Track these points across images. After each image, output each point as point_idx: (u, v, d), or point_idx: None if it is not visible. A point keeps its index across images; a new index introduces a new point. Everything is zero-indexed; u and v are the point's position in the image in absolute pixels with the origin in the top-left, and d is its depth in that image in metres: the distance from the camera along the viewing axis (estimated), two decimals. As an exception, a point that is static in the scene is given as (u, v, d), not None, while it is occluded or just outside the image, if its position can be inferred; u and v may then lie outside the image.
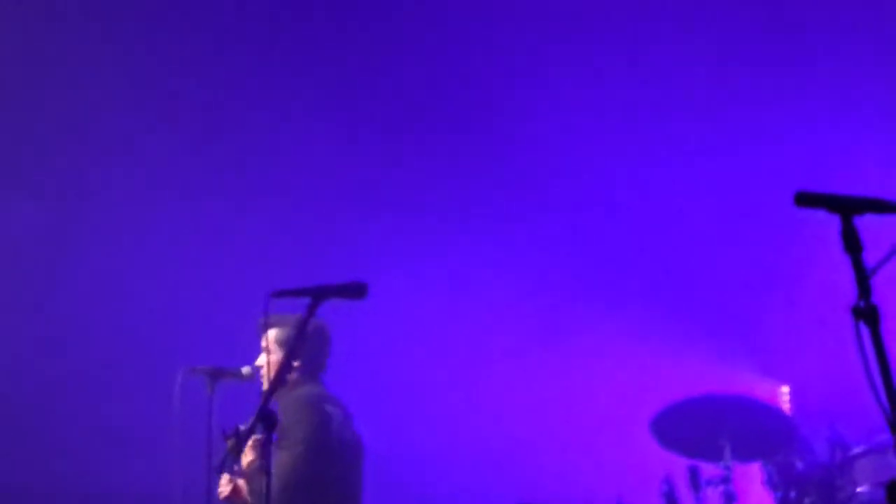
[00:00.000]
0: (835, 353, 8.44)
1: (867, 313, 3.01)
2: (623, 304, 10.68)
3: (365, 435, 6.83)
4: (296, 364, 6.61)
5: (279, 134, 10.73)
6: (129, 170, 10.43)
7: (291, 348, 6.05)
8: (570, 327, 10.78)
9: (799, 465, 7.78)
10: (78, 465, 10.02)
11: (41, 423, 10.04)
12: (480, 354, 10.90)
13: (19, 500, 9.76)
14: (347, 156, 10.71)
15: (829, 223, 3.23)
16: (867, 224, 3.14)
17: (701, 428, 7.96)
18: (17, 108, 10.17)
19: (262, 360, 6.59)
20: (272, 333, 6.63)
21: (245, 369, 6.56)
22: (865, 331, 3.03)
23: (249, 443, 6.28)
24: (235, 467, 6.48)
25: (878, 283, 3.10)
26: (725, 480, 7.81)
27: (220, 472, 5.64)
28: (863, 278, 3.03)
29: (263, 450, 5.27)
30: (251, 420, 5.18)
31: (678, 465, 8.03)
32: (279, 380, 5.90)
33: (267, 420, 4.90)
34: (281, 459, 6.42)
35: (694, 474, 7.81)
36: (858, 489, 7.49)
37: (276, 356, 6.49)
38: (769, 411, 8.43)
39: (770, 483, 7.82)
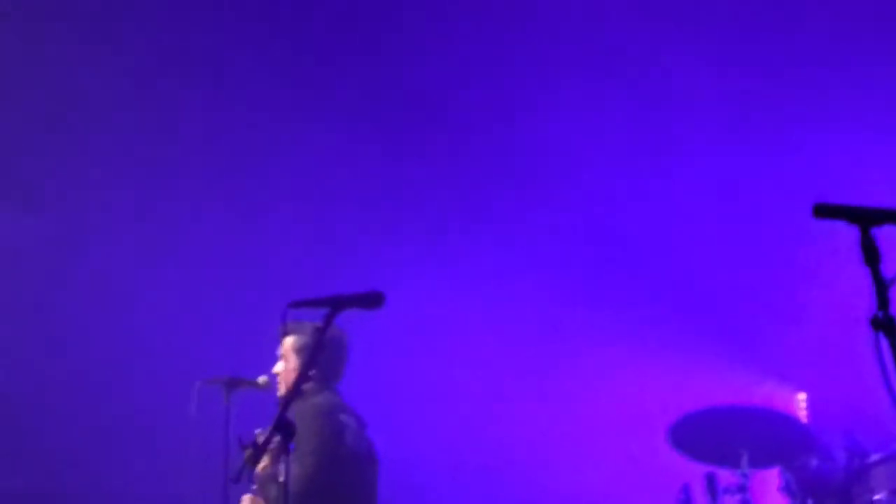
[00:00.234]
0: (852, 361, 8.41)
1: (885, 324, 3.01)
2: (639, 311, 10.66)
3: (378, 442, 6.82)
4: (311, 372, 6.61)
5: (293, 142, 10.72)
6: (136, 179, 10.42)
7: (309, 357, 6.05)
8: (586, 335, 10.76)
9: (816, 472, 7.77)
10: (94, 475, 10.02)
11: (56, 433, 10.05)
12: (494, 362, 10.89)
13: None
14: (363, 164, 10.71)
15: (848, 232, 3.22)
16: (886, 235, 3.14)
17: (718, 436, 7.96)
18: (15, 116, 10.16)
19: (279, 367, 6.58)
20: (289, 341, 6.62)
21: (262, 378, 6.57)
22: (884, 341, 3.02)
23: (269, 453, 6.29)
24: (254, 486, 6.48)
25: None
26: (742, 488, 7.80)
27: (238, 481, 5.63)
28: (881, 289, 3.03)
29: (278, 458, 5.27)
30: (268, 429, 5.18)
31: (695, 472, 8.02)
32: (296, 388, 5.91)
33: (284, 429, 4.90)
34: (295, 470, 6.41)
35: (711, 482, 7.81)
36: (876, 497, 7.47)
37: (293, 364, 6.49)
38: (786, 420, 8.44)
39: (787, 490, 7.80)
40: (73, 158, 10.28)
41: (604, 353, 10.72)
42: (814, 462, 7.80)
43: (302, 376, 6.08)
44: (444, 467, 10.55)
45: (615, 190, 10.74)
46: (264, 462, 6.36)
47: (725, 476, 7.90)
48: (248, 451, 5.69)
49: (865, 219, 3.11)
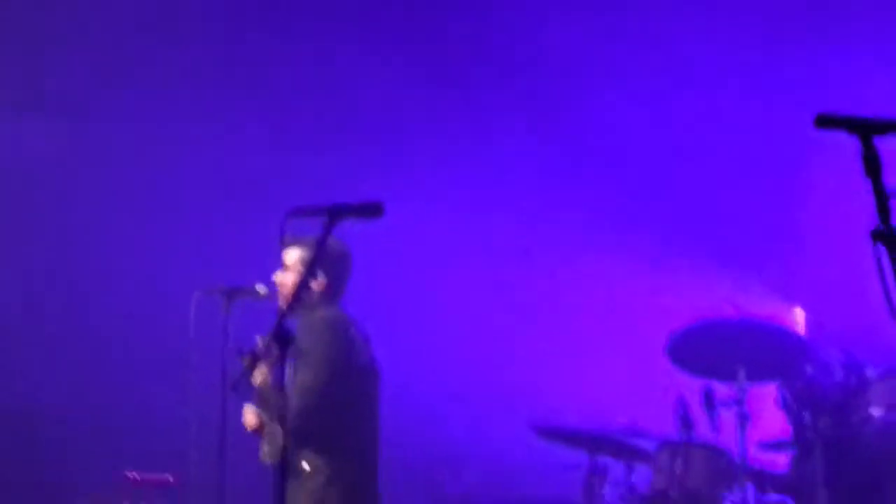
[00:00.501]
0: (851, 276, 8.42)
1: (886, 236, 2.99)
2: (638, 226, 10.67)
3: (379, 359, 6.83)
4: (318, 285, 6.61)
5: (292, 53, 10.68)
6: (141, 90, 10.40)
7: (310, 267, 6.05)
8: (585, 250, 10.78)
9: (813, 387, 7.79)
10: (91, 386, 10.06)
11: (52, 345, 10.08)
12: (494, 278, 10.91)
13: (30, 423, 9.82)
14: (361, 77, 10.67)
15: (848, 145, 3.20)
16: (889, 146, 3.12)
17: (716, 349, 7.99)
18: (25, 28, 10.11)
19: (279, 276, 6.58)
20: (295, 253, 6.61)
21: (261, 288, 6.57)
22: (884, 254, 3.00)
23: (268, 363, 6.30)
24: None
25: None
26: (739, 402, 7.83)
27: (236, 390, 5.64)
28: (882, 201, 3.01)
29: (277, 367, 5.27)
30: (267, 338, 5.18)
31: (693, 386, 8.05)
32: (297, 298, 5.90)
33: (283, 338, 4.90)
34: (303, 380, 6.42)
35: (708, 396, 7.84)
36: (873, 412, 7.51)
37: (298, 276, 6.48)
38: (784, 334, 8.45)
39: (784, 405, 7.83)
40: (83, 76, 10.27)
41: (602, 269, 10.74)
42: (811, 377, 7.82)
43: (303, 286, 6.07)
44: (443, 384, 10.59)
45: (614, 106, 10.71)
46: (264, 374, 6.38)
47: (722, 390, 7.93)
48: (247, 360, 5.70)
49: (867, 129, 3.08)
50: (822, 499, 7.51)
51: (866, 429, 7.51)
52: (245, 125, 10.50)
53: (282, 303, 6.46)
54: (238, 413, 6.33)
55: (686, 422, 7.97)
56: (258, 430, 6.50)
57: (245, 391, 6.19)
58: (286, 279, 6.58)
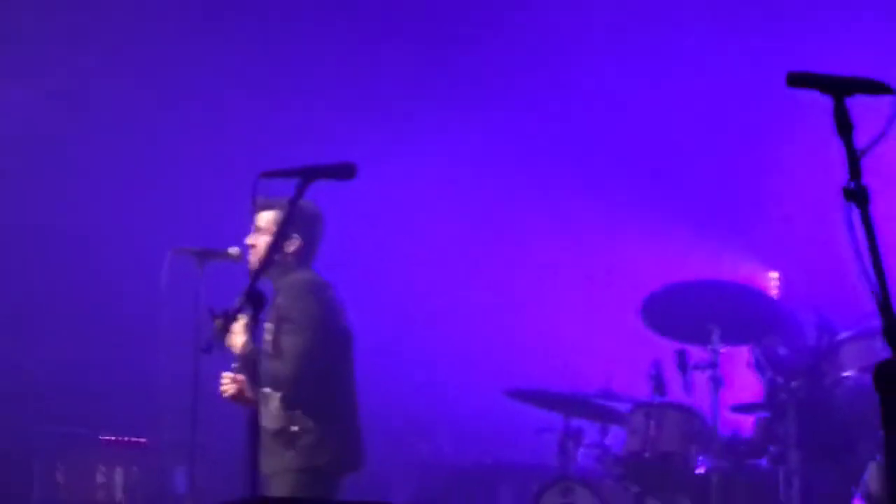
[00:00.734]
0: (824, 240, 8.44)
1: (857, 194, 2.99)
2: (613, 189, 10.68)
3: (353, 322, 6.83)
4: (291, 247, 6.59)
5: (271, 17, 10.66)
6: (116, 55, 10.37)
7: (283, 228, 6.03)
8: (559, 214, 10.78)
9: (786, 349, 7.81)
10: (63, 344, 10.04)
11: (27, 304, 10.05)
12: (468, 241, 10.91)
13: (1, 386, 9.80)
14: (339, 37, 10.63)
15: (820, 106, 3.20)
16: (858, 105, 3.11)
17: (689, 312, 8.01)
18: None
19: (251, 238, 6.56)
20: (269, 215, 6.59)
21: (233, 250, 6.54)
22: (855, 212, 3.00)
23: (241, 325, 6.29)
24: (234, 364, 6.49)
25: (868, 164, 3.07)
26: (713, 364, 7.86)
27: (208, 351, 5.62)
28: (853, 159, 3.01)
29: (252, 329, 5.26)
30: (239, 299, 5.16)
31: (666, 349, 8.07)
32: (269, 259, 5.89)
33: (255, 299, 4.88)
34: (291, 345, 6.42)
35: (682, 358, 7.86)
36: (845, 374, 7.53)
37: (270, 237, 6.47)
38: (757, 296, 8.48)
39: (757, 367, 7.86)
40: (65, 42, 10.25)
41: (576, 233, 10.75)
42: (784, 339, 7.85)
43: (276, 247, 6.05)
44: (417, 347, 10.61)
45: (590, 72, 10.71)
46: (244, 338, 6.37)
47: (696, 352, 7.95)
48: (219, 322, 5.68)
49: (839, 88, 3.07)
50: (794, 460, 7.54)
51: (838, 390, 7.54)
52: (220, 87, 10.47)
53: (254, 264, 6.44)
54: (210, 373, 6.31)
55: (659, 384, 8.00)
56: (236, 398, 6.49)
57: (217, 352, 6.16)
58: (259, 241, 6.56)
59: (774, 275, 10.59)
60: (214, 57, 10.50)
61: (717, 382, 7.83)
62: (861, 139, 3.06)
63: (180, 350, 5.99)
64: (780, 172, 10.13)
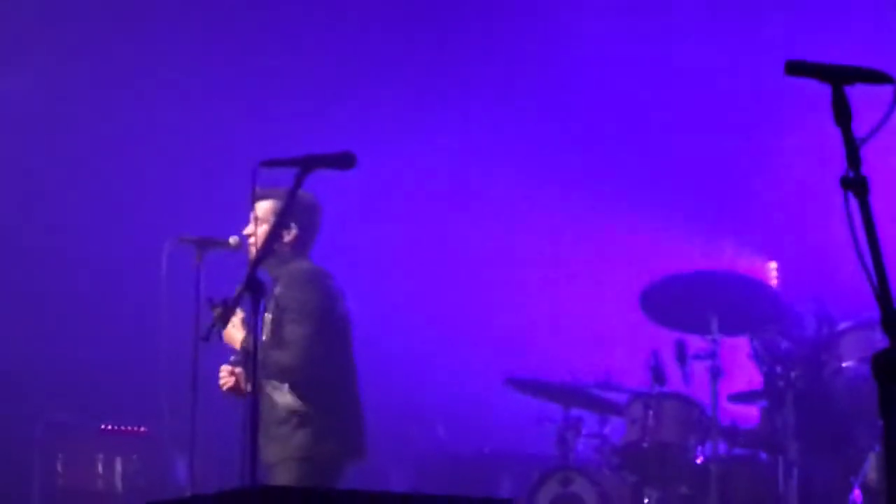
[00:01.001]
0: (823, 230, 8.44)
1: (856, 184, 2.98)
2: (613, 179, 10.67)
3: (352, 311, 6.84)
4: (290, 237, 6.60)
5: (267, 4, 10.64)
6: (114, 42, 10.36)
7: (281, 218, 6.04)
8: (558, 204, 10.78)
9: (785, 340, 7.81)
10: (62, 333, 10.03)
11: (26, 294, 10.04)
12: (468, 229, 10.90)
13: (2, 376, 9.80)
14: (341, 25, 10.64)
15: (820, 96, 3.19)
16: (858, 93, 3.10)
17: (689, 302, 8.01)
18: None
19: (249, 228, 6.56)
20: (267, 204, 6.59)
21: (233, 239, 6.54)
22: (853, 202, 3.00)
23: (239, 319, 6.30)
24: (232, 357, 6.50)
25: (868, 154, 3.07)
26: (712, 354, 7.86)
27: (207, 340, 5.62)
28: (852, 148, 3.00)
29: (252, 319, 5.26)
30: (238, 288, 5.17)
31: (665, 339, 8.07)
32: (267, 249, 5.89)
33: (255, 289, 4.89)
34: (295, 335, 6.44)
35: (681, 348, 7.85)
36: (844, 364, 7.53)
37: (269, 227, 6.46)
38: (756, 286, 8.48)
39: (756, 357, 7.85)
40: (62, 28, 10.24)
41: (576, 223, 10.75)
42: (783, 330, 7.85)
43: (274, 236, 6.06)
44: (417, 336, 10.60)
45: (586, 61, 10.71)
46: (242, 334, 6.38)
47: (695, 342, 7.95)
48: (218, 310, 5.68)
49: (838, 77, 3.06)
50: (793, 450, 7.54)
51: (838, 381, 7.54)
52: (219, 76, 10.45)
53: (253, 254, 6.44)
54: (211, 363, 6.31)
55: (659, 374, 8.00)
56: (234, 391, 6.50)
57: (216, 341, 6.16)
58: (257, 231, 6.56)
59: (774, 265, 10.60)
60: (214, 45, 10.49)
61: (716, 372, 7.83)
62: (860, 128, 3.05)
63: (180, 339, 5.98)
64: (780, 162, 10.13)
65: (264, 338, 6.43)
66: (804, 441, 7.60)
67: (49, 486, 9.53)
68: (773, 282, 10.40)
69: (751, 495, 7.81)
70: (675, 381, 8.00)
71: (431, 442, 10.79)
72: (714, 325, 7.89)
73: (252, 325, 5.43)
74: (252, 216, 6.57)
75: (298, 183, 4.98)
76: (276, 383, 6.46)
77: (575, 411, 8.61)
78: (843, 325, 7.61)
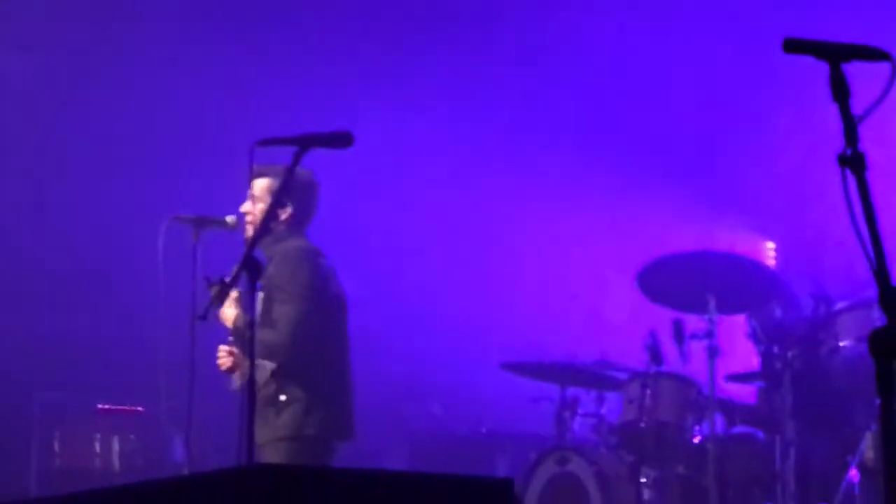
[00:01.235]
0: (820, 211, 8.45)
1: (854, 161, 2.97)
2: (610, 158, 10.67)
3: (348, 292, 6.84)
4: (285, 215, 6.60)
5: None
6: (116, 22, 10.35)
7: (278, 196, 6.03)
8: (556, 182, 10.78)
9: (782, 319, 7.81)
10: (60, 311, 10.03)
11: (24, 273, 10.03)
12: (465, 210, 10.90)
13: (1, 352, 9.80)
14: (339, 5, 10.63)
15: (817, 74, 3.18)
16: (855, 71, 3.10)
17: (686, 281, 8.00)
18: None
19: (246, 206, 6.56)
20: (264, 182, 6.58)
21: (230, 218, 6.54)
22: (851, 179, 2.99)
23: (232, 298, 6.30)
24: (230, 338, 6.49)
25: (865, 132, 3.06)
26: (710, 334, 7.85)
27: (205, 319, 5.62)
28: (850, 126, 2.99)
29: (247, 298, 5.26)
30: (235, 267, 5.16)
31: (663, 318, 8.07)
32: (265, 228, 5.89)
33: (252, 267, 4.88)
34: (284, 314, 6.43)
35: (678, 327, 7.85)
36: (841, 343, 7.53)
37: (265, 205, 6.45)
38: (754, 266, 8.48)
39: (754, 337, 7.85)
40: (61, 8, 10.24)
41: (573, 202, 10.75)
42: (780, 309, 7.85)
43: (270, 215, 6.05)
44: (414, 317, 10.61)
45: (587, 37, 10.69)
46: (236, 311, 6.38)
47: (693, 322, 7.95)
48: (215, 289, 5.68)
49: (835, 54, 3.05)
50: (790, 429, 7.54)
51: (835, 360, 7.54)
52: (217, 55, 10.44)
53: (249, 233, 6.44)
54: (208, 342, 6.31)
55: (656, 353, 8.00)
56: (232, 371, 6.50)
57: (213, 320, 6.17)
58: (254, 209, 6.56)
59: (771, 244, 10.60)
60: (212, 25, 10.47)
61: (713, 352, 7.82)
62: (858, 106, 3.05)
63: (177, 318, 5.98)
64: (778, 142, 10.12)
65: (258, 317, 6.42)
66: (801, 420, 7.60)
67: (46, 465, 9.55)
68: (771, 262, 10.41)
69: (748, 474, 7.82)
70: (672, 361, 8.00)
71: (428, 420, 10.81)
72: (712, 305, 7.88)
73: (248, 305, 5.43)
74: (249, 194, 6.57)
75: (295, 162, 4.97)
76: (260, 361, 6.41)
77: (572, 391, 8.62)
78: (840, 305, 7.61)
